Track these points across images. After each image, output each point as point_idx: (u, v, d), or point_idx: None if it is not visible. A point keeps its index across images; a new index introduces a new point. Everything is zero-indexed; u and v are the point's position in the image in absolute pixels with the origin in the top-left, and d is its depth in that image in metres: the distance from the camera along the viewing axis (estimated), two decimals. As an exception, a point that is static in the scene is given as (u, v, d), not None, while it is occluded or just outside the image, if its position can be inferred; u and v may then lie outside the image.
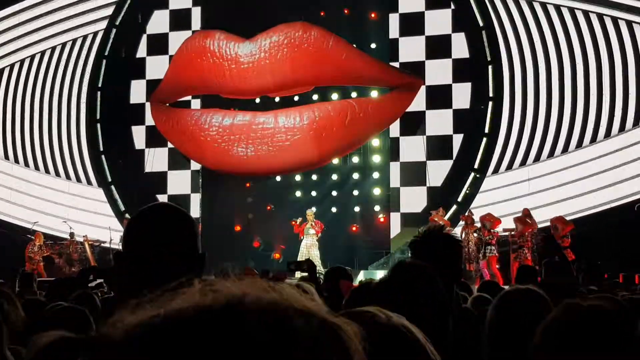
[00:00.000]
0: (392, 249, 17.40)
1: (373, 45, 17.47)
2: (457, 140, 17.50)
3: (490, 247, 15.12)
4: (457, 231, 15.37)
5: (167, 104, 16.50)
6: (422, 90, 16.87)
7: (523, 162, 16.91)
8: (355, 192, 18.31)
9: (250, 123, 14.83)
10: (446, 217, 16.60)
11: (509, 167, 17.09)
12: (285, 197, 18.32)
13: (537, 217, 15.29)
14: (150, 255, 1.72)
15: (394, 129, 17.50)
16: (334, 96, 16.86)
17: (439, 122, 17.52)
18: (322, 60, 14.04)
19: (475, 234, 15.48)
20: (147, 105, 18.61)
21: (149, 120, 18.42)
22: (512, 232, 15.54)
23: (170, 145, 18.05)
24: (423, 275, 1.84)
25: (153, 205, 1.87)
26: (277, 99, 16.52)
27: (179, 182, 19.21)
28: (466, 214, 16.01)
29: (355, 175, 18.34)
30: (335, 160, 17.73)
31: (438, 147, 17.55)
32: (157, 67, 18.92)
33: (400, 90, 15.42)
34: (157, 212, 1.84)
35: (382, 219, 17.91)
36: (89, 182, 19.61)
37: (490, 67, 17.25)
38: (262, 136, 14.68)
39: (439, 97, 17.48)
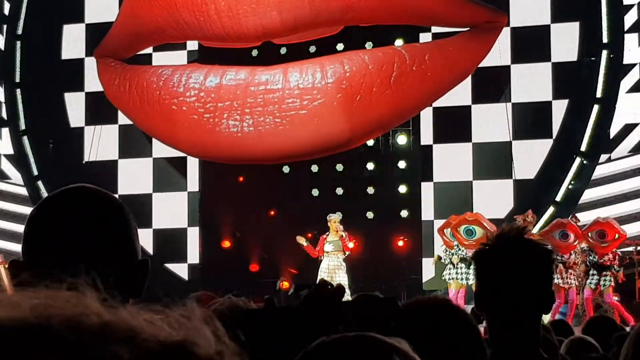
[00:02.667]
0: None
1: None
2: (559, 109, 17.61)
3: (607, 273, 15.33)
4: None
5: (121, 60, 16.38)
6: (505, 34, 16.86)
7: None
8: (402, 189, 18.52)
9: (246, 83, 14.65)
10: (539, 225, 16.71)
11: (637, 149, 17.21)
12: (297, 197, 18.35)
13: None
14: (62, 265, 1.51)
15: (462, 93, 17.40)
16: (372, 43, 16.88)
17: (531, 83, 17.65)
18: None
19: (582, 250, 15.74)
20: (88, 62, 18.57)
21: (92, 83, 18.36)
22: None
23: (123, 120, 17.98)
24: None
25: (65, 189, 1.89)
26: (284, 49, 16.62)
27: (136, 176, 19.36)
28: (568, 218, 16.10)
29: (401, 164, 18.50)
30: (370, 141, 17.79)
31: (530, 120, 17.69)
32: (103, 3, 18.92)
33: (472, 32, 15.24)
34: (72, 199, 1.86)
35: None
36: (3, 176, 19.84)
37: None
38: (266, 102, 14.50)
39: (531, 44, 17.63)
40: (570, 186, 17.51)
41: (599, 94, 17.34)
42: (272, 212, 19.07)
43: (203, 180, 19.37)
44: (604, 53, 17.33)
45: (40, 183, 19.75)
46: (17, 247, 18.07)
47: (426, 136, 18.63)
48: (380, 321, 1.70)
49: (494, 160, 18.04)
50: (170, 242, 18.26)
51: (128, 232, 1.87)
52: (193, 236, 19.39)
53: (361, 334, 1.33)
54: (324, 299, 1.72)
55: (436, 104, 17.48)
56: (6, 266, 11.10)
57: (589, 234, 15.37)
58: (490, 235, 2.87)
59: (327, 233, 16.32)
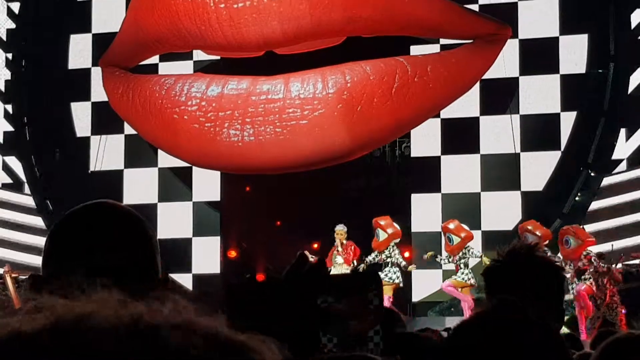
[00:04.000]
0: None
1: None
2: (567, 121, 17.64)
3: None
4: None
5: (126, 69, 16.48)
6: (513, 47, 16.91)
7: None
8: (409, 199, 18.45)
9: (248, 93, 14.67)
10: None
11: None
12: (303, 207, 18.43)
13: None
14: (85, 280, 1.51)
15: (470, 105, 17.46)
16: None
17: (539, 95, 17.69)
18: (358, -6, 13.96)
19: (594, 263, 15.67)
20: (95, 72, 18.66)
21: (98, 93, 18.38)
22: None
23: (129, 130, 18.08)
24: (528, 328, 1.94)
25: (87, 205, 1.91)
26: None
27: (142, 186, 19.42)
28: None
29: (408, 174, 18.57)
30: (377, 152, 18.01)
31: (538, 132, 17.73)
32: (109, 13, 18.95)
33: (475, 44, 15.22)
34: (94, 215, 1.88)
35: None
36: (11, 186, 19.90)
37: (612, 4, 17.42)
38: (267, 112, 14.50)
39: (539, 55, 17.64)
40: (577, 198, 17.50)
41: (606, 107, 17.34)
42: (278, 222, 19.10)
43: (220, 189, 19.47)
44: (612, 66, 17.34)
45: (46, 192, 19.82)
46: (23, 257, 18.25)
47: (434, 147, 18.57)
48: (361, 291, 1.69)
49: (501, 172, 18.00)
50: (176, 253, 18.26)
51: (149, 248, 1.88)
52: (198, 246, 19.38)
53: (355, 354, 1.36)
54: (306, 272, 1.72)
55: (444, 115, 17.49)
56: (12, 275, 11.01)
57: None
58: (501, 251, 2.90)
59: (333, 245, 16.54)
